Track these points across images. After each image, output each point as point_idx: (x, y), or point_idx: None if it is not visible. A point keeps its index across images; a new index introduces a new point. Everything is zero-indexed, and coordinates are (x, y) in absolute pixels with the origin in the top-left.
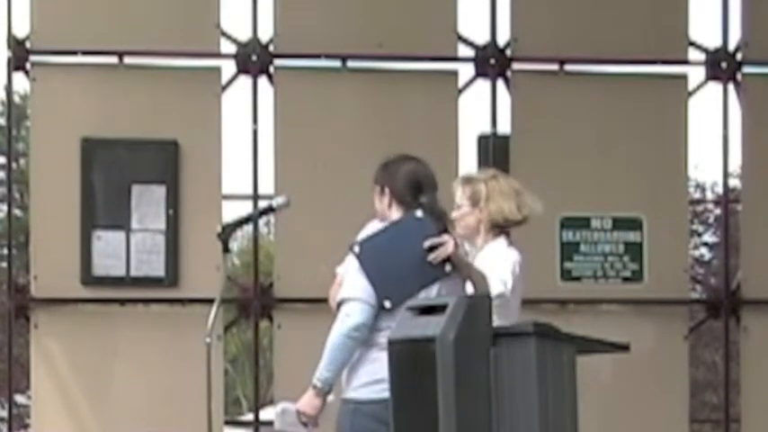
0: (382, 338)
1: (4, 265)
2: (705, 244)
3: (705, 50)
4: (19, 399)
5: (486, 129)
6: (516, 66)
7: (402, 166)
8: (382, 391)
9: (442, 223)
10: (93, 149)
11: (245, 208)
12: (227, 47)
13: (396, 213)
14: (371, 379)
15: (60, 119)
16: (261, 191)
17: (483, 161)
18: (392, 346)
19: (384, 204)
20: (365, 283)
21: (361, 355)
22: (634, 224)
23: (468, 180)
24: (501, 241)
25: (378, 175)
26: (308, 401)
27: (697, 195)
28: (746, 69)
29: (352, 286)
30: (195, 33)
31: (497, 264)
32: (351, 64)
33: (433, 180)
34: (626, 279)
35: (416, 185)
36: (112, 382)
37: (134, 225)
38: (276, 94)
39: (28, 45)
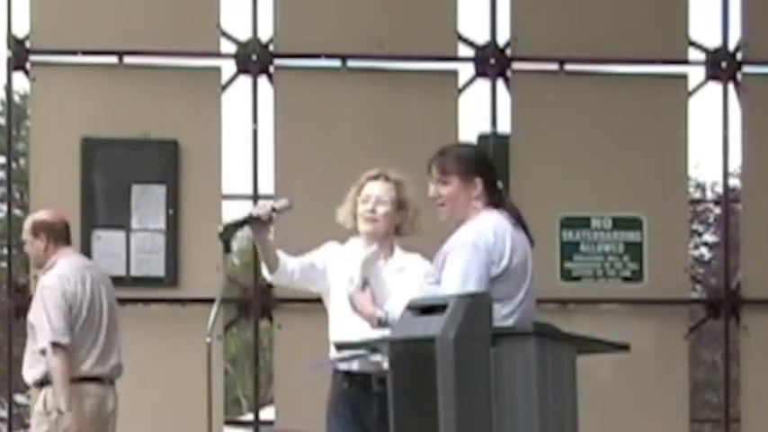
0: None
1: (4, 265)
2: (705, 244)
3: (705, 50)
4: (19, 399)
5: (486, 129)
6: (516, 66)
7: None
8: None
9: None
10: (93, 149)
11: (245, 208)
12: (227, 47)
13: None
14: None
15: (60, 119)
16: (261, 191)
17: None
18: (392, 346)
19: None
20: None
21: None
22: (634, 224)
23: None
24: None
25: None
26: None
27: (697, 195)
28: (746, 69)
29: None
30: (195, 33)
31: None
32: (351, 64)
33: None
34: (626, 279)
35: None
36: None
37: (134, 225)
38: (276, 94)
39: (28, 45)
